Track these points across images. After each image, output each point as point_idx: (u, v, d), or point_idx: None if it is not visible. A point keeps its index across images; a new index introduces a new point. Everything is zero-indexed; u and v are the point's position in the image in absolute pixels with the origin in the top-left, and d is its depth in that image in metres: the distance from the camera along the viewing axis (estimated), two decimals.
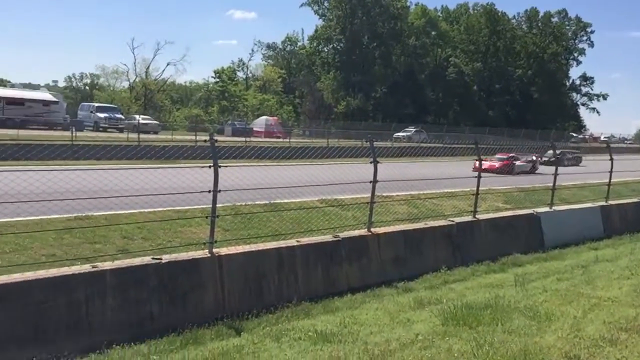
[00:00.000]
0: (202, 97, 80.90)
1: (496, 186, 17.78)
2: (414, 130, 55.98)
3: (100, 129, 41.98)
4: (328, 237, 9.45)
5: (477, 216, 11.99)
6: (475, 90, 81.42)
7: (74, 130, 30.91)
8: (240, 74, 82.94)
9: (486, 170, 19.59)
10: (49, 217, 10.58)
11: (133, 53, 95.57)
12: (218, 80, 76.77)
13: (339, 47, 79.20)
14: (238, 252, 8.14)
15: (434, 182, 14.87)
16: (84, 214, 11.05)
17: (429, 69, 79.82)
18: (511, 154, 29.27)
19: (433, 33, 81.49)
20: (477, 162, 12.80)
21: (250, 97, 72.98)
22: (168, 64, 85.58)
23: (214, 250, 7.87)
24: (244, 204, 12.19)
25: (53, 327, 6.27)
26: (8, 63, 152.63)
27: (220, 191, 7.85)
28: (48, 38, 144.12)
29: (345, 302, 8.31)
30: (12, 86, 46.93)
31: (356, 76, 74.51)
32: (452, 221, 11.37)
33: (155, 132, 42.73)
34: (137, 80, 74.95)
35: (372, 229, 10.02)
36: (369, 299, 8.44)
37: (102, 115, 43.64)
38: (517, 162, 28.56)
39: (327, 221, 11.59)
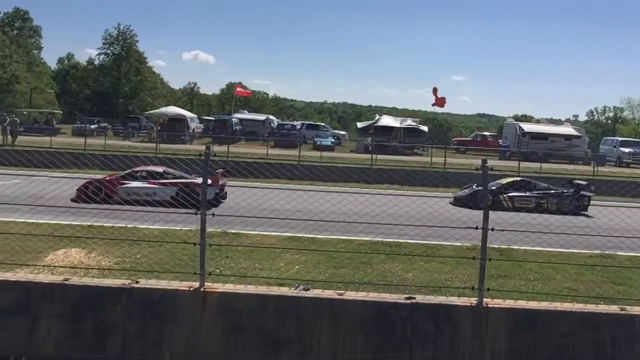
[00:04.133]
0: None
1: None
2: None
3: (623, 164, 40.01)
4: None
5: None
6: None
7: (595, 164, 30.46)
8: None
9: None
10: (569, 250, 10.66)
11: None
12: None
13: None
14: None
15: None
16: (606, 252, 10.67)
17: None
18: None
19: None
20: None
21: None
22: None
23: None
24: None
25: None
26: (531, 99, 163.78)
27: None
28: (570, 74, 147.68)
29: None
30: (537, 121, 49.65)
31: None
32: None
33: None
34: None
35: None
36: None
37: (626, 150, 41.48)
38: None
39: None
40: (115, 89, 74.63)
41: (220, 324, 6.35)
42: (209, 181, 17.01)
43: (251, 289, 6.74)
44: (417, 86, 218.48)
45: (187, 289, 6.47)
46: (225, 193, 16.21)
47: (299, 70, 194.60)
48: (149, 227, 10.70)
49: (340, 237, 10.87)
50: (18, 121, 35.12)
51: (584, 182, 19.78)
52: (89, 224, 10.83)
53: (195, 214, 6.44)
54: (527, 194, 18.66)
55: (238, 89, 59.09)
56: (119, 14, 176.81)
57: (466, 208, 15.80)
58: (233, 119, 43.29)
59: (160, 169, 17.05)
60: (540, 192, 18.81)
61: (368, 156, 30.32)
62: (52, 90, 71.62)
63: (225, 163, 19.85)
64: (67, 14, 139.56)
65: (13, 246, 8.60)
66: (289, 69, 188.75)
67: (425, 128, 44.49)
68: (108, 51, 76.02)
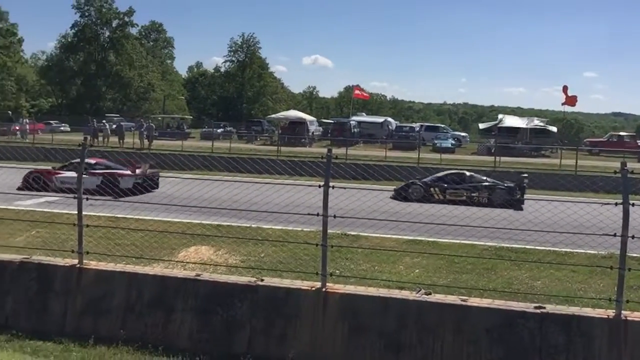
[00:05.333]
0: None
1: None
2: None
3: None
4: None
5: None
6: None
7: None
8: None
9: None
10: None
11: None
12: None
13: None
14: None
15: None
16: None
17: None
18: None
19: None
20: None
21: None
22: None
23: None
24: None
25: None
26: None
27: None
28: None
29: None
30: None
31: None
32: None
33: None
34: None
35: None
36: None
37: None
38: None
39: None
40: (239, 94, 78.07)
41: (341, 325, 6.41)
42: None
43: (372, 291, 6.74)
44: (544, 84, 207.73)
45: (310, 288, 6.60)
46: (157, 183, 17.89)
47: (417, 72, 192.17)
48: (272, 227, 11.07)
49: (462, 241, 10.58)
50: (153, 126, 37.97)
51: (524, 175, 18.92)
52: (217, 223, 11.41)
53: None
54: (459, 186, 18.21)
55: (356, 92, 59.33)
56: (244, 23, 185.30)
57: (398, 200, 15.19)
58: (351, 122, 43.59)
59: (92, 161, 18.59)
60: (474, 184, 18.17)
61: (491, 158, 29.22)
62: (182, 97, 76.59)
63: (345, 165, 20.13)
64: (197, 26, 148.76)
65: (151, 242, 9.28)
66: (406, 70, 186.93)
67: (554, 128, 42.08)
68: (233, 58, 79.71)
